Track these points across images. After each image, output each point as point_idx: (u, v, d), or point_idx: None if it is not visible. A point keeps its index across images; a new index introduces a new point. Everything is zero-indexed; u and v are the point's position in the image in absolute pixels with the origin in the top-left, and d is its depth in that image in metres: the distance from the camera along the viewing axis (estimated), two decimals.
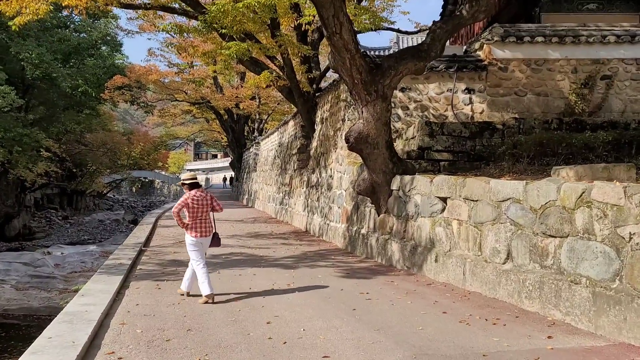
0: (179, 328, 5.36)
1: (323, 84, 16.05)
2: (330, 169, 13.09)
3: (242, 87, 29.65)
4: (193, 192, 6.74)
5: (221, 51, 12.47)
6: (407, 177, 8.72)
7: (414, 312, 5.86)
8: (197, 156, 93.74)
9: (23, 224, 33.37)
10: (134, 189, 68.23)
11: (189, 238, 6.79)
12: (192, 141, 70.44)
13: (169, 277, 8.04)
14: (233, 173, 56.91)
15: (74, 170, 43.10)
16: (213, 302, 6.38)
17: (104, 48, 33.78)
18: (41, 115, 32.43)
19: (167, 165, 65.06)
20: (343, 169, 11.98)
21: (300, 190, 16.23)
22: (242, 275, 8.16)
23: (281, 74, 14.52)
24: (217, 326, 5.41)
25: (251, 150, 29.58)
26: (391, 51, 19.78)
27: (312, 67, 15.38)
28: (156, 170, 59.94)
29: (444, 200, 7.69)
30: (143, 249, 11.21)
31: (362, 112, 8.97)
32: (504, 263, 6.29)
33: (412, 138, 10.84)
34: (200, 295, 6.50)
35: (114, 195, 59.51)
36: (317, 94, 15.25)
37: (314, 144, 15.06)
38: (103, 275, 7.66)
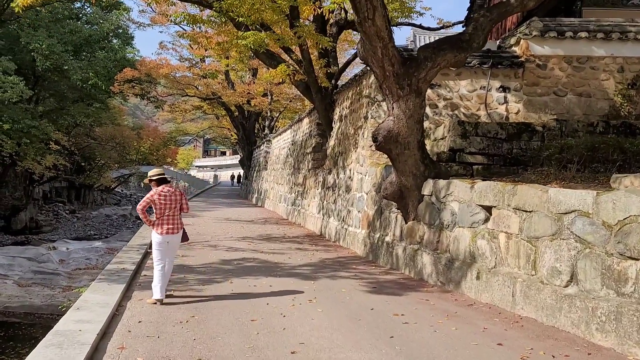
0: (187, 356, 4.45)
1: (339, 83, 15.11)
2: (350, 170, 12.16)
3: (254, 83, 28.78)
4: (160, 187, 6.47)
5: (237, 41, 11.56)
6: (442, 182, 7.77)
7: (464, 343, 4.92)
8: (206, 153, 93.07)
9: (30, 217, 32.65)
10: (142, 185, 67.55)
11: (154, 235, 6.48)
12: (202, 138, 69.75)
13: (176, 286, 7.14)
14: (241, 171, 56.09)
15: (83, 164, 42.40)
16: (161, 304, 6.13)
17: (115, 41, 33.00)
18: (51, 108, 31.71)
19: (176, 161, 64.34)
20: (364, 170, 11.05)
21: (314, 191, 15.31)
22: (257, 287, 7.24)
23: (298, 68, 13.60)
24: (233, 356, 4.50)
25: (262, 147, 28.69)
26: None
27: (330, 62, 14.45)
28: (165, 166, 59.21)
29: (488, 209, 6.74)
30: (149, 251, 10.30)
31: (393, 108, 8.04)
32: (566, 286, 5.34)
33: (441, 139, 9.88)
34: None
35: (121, 190, 58.85)
36: (335, 90, 14.31)
37: (331, 142, 14.13)
38: (103, 283, 6.77)
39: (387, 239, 9.35)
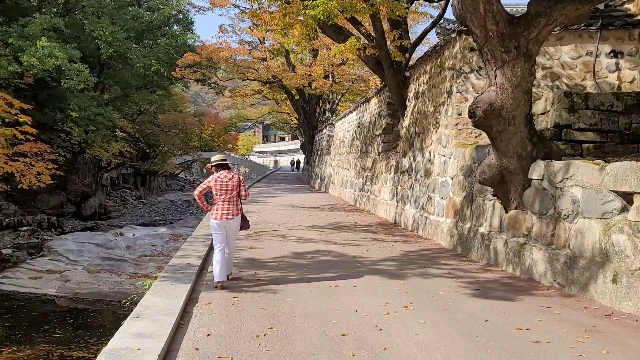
0: None
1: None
2: (429, 152, 10.88)
3: (314, 64, 27.73)
4: (218, 173, 6.36)
5: (305, 12, 10.46)
6: (559, 163, 6.41)
7: None
8: (266, 138, 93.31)
9: (99, 203, 33.28)
10: (204, 170, 68.49)
11: (211, 220, 6.41)
12: (261, 123, 69.64)
13: (247, 285, 6.22)
14: (300, 156, 55.40)
15: (147, 150, 43.01)
16: (222, 288, 6.04)
17: (175, 27, 32.84)
18: (115, 95, 32.00)
19: (236, 147, 64.66)
20: (449, 151, 9.75)
21: (386, 175, 14.11)
22: (340, 287, 6.20)
23: (368, 42, 12.37)
24: None
25: (324, 132, 27.64)
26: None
27: (402, 34, 13.10)
28: (225, 152, 59.55)
29: (626, 196, 5.36)
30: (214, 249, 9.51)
31: (496, 76, 6.72)
32: None
33: (542, 113, 8.44)
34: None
35: (185, 176, 59.77)
36: (409, 65, 13.00)
37: (406, 122, 12.85)
38: (166, 283, 5.94)
39: (482, 230, 8.07)
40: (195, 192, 6.38)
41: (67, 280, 16.61)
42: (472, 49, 9.53)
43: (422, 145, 11.36)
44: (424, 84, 11.73)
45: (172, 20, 30.82)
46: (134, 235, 23.88)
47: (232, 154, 65.37)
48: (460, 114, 9.55)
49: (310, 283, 6.39)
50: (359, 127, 18.70)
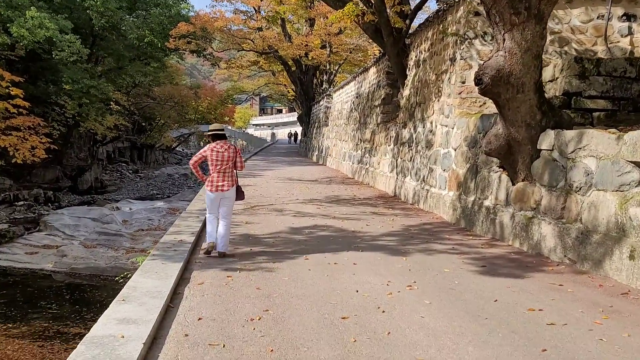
0: None
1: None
2: (431, 123, 10.46)
3: (311, 34, 26.99)
4: (214, 143, 6.24)
5: None
6: (571, 132, 6.01)
7: None
8: (262, 111, 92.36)
9: (95, 177, 32.87)
10: (201, 143, 67.86)
11: (206, 191, 6.36)
12: (258, 95, 68.77)
13: (242, 263, 5.88)
14: (298, 129, 54.71)
15: (143, 124, 42.37)
16: (208, 254, 6.14)
17: None
18: (109, 67, 31.24)
19: (233, 120, 63.92)
20: (451, 121, 9.33)
21: (385, 147, 13.70)
22: (339, 265, 5.87)
23: (366, 8, 11.79)
24: None
25: (321, 103, 27.07)
26: None
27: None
28: (223, 125, 58.95)
29: None
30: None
31: (504, 40, 6.26)
32: None
33: (551, 81, 8.00)
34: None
35: (182, 149, 59.25)
36: (409, 32, 12.45)
37: (406, 92, 12.38)
38: (157, 261, 5.59)
39: (487, 203, 7.72)
40: (191, 162, 6.26)
41: (64, 255, 16.36)
42: (476, 13, 9.02)
43: (423, 116, 10.93)
44: (425, 51, 11.22)
45: None
46: (130, 209, 23.57)
47: (229, 127, 64.64)
48: (464, 82, 9.10)
49: (308, 260, 6.05)
50: (357, 97, 18.19)
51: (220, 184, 6.18)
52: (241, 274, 5.43)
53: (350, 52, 26.56)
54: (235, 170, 6.33)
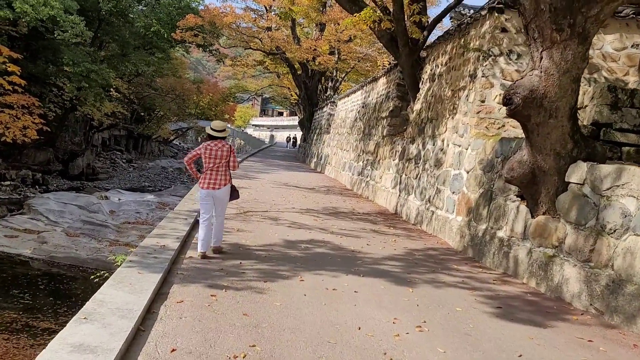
0: None
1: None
2: (442, 141, 9.82)
3: (320, 39, 26.41)
4: (210, 141, 6.21)
5: None
6: (607, 167, 5.38)
7: None
8: (263, 112, 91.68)
9: (87, 163, 32.03)
10: (199, 139, 67.06)
11: (199, 189, 6.27)
12: (260, 96, 68.08)
13: (229, 279, 5.19)
14: (297, 133, 53.98)
15: (142, 113, 41.59)
16: (203, 257, 5.94)
17: None
18: (112, 53, 30.49)
19: (233, 118, 63.19)
20: (466, 142, 8.70)
21: (389, 161, 13.05)
22: (338, 292, 5.18)
23: (383, 15, 11.17)
24: None
25: (324, 109, 26.43)
26: None
27: (421, 10, 11.91)
28: (225, 124, 58.20)
29: None
30: (199, 219, 8.46)
31: (542, 58, 5.63)
32: None
33: (579, 108, 7.37)
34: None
35: (179, 143, 58.43)
36: (426, 44, 11.85)
37: (417, 106, 11.75)
38: (133, 270, 4.88)
39: (501, 234, 7.06)
40: (185, 159, 6.21)
41: (44, 241, 15.60)
42: (503, 30, 8.42)
43: (434, 133, 10.29)
44: (442, 65, 10.61)
45: None
46: (119, 200, 22.80)
47: (229, 125, 63.99)
48: (483, 101, 8.47)
49: (304, 282, 5.37)
50: (363, 107, 17.56)
51: (212, 181, 6.09)
52: (227, 294, 4.73)
53: (359, 61, 26.00)
54: (229, 170, 6.24)
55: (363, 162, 15.70)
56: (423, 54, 12.13)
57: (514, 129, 8.43)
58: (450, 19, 14.18)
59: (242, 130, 71.68)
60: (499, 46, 8.40)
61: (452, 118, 9.50)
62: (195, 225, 7.94)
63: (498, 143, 7.63)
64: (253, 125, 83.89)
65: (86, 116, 30.03)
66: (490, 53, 8.41)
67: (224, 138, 6.27)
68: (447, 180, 9.23)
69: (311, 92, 31.01)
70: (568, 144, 5.89)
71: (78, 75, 24.10)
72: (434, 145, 10.24)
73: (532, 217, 6.47)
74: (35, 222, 18.49)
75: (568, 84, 5.60)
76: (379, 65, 22.06)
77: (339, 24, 24.62)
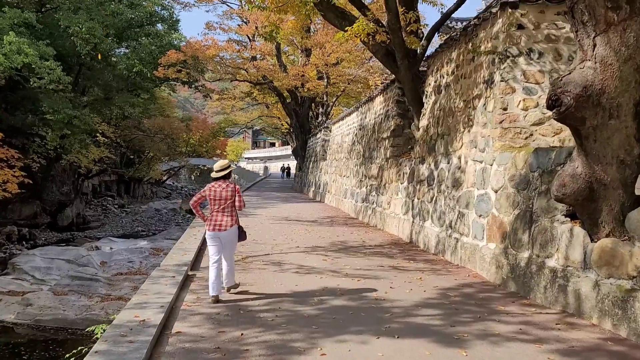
0: None
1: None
2: (459, 158, 8.67)
3: (308, 64, 25.55)
4: (214, 182, 6.13)
5: None
6: None
7: None
8: (255, 144, 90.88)
9: (77, 213, 30.64)
10: (192, 177, 65.85)
11: (206, 231, 6.15)
12: (251, 129, 67.33)
13: None
14: (290, 162, 52.91)
15: (132, 157, 40.46)
16: (216, 302, 5.70)
17: (160, 27, 30.51)
18: (95, 97, 29.48)
19: (225, 153, 62.15)
20: (489, 156, 7.54)
21: (397, 185, 11.88)
22: None
23: (377, 28, 10.15)
24: None
25: (318, 136, 25.37)
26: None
27: (418, 18, 10.91)
28: (214, 158, 57.13)
29: None
30: (190, 273, 7.20)
31: (595, 45, 4.52)
32: None
33: None
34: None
35: (172, 183, 57.17)
36: (426, 55, 10.82)
37: (423, 122, 10.64)
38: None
39: (551, 263, 5.83)
40: (191, 202, 6.14)
41: (29, 304, 14.19)
42: (520, 26, 7.36)
43: (448, 150, 9.15)
44: (448, 75, 9.53)
45: (155, 18, 28.46)
46: (110, 249, 21.43)
47: (233, 161, 62.92)
48: (505, 109, 7.36)
49: (326, 358, 4.10)
50: (360, 129, 16.47)
51: (218, 223, 5.99)
52: None
53: (349, 83, 25.08)
54: (235, 210, 6.11)
55: (366, 187, 14.51)
56: (423, 65, 11.10)
57: (543, 137, 7.32)
58: (437, 35, 13.25)
59: (236, 165, 70.64)
60: (517, 45, 7.34)
61: (469, 131, 8.37)
62: (186, 282, 6.69)
63: (532, 155, 6.47)
64: (246, 158, 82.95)
65: (72, 164, 28.85)
66: (508, 54, 7.33)
67: (227, 177, 6.13)
68: (470, 202, 8.04)
69: (302, 120, 30.01)
70: (635, 149, 4.74)
71: (59, 122, 22.99)
72: (448, 163, 9.08)
73: (592, 240, 5.27)
74: (19, 282, 17.07)
75: (631, 74, 4.48)
76: (371, 85, 21.12)
77: (325, 47, 23.80)
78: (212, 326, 4.83)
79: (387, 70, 20.09)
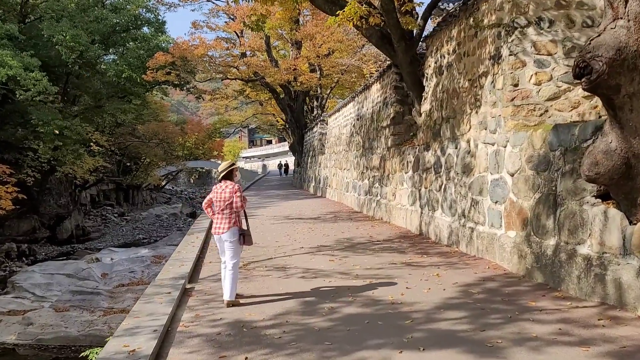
0: None
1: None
2: (467, 141, 8.06)
3: (299, 57, 24.88)
4: (220, 183, 5.97)
5: None
6: None
7: None
8: (252, 143, 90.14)
9: (76, 225, 30.02)
10: (191, 180, 65.20)
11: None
12: (246, 127, 66.58)
13: None
14: (288, 158, 52.18)
15: (128, 164, 39.81)
16: (231, 305, 5.54)
17: (146, 30, 29.80)
18: (85, 106, 28.79)
19: (222, 154, 61.46)
20: (501, 137, 6.94)
21: (401, 175, 11.28)
22: None
23: (370, 10, 9.50)
24: None
25: (315, 130, 24.73)
26: None
27: None
28: (212, 160, 56.47)
29: None
30: (188, 287, 6.61)
31: (626, 0, 3.91)
32: None
33: None
34: None
35: (172, 187, 56.56)
36: (423, 35, 10.20)
37: (425, 107, 10.03)
38: None
39: (584, 250, 5.24)
40: (203, 205, 6.10)
41: (30, 323, 13.64)
42: None
43: (455, 133, 8.54)
44: (449, 54, 8.91)
45: (141, 21, 27.73)
46: (111, 259, 20.84)
47: (219, 161, 62.24)
48: (516, 85, 6.75)
49: None
50: (358, 120, 15.84)
51: (217, 225, 5.87)
52: None
53: (342, 74, 24.39)
54: (234, 212, 5.86)
55: (369, 179, 13.91)
56: (421, 47, 10.48)
57: (560, 113, 6.71)
58: (431, 18, 12.60)
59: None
60: (525, 15, 6.71)
61: (476, 112, 7.76)
62: (184, 297, 6.10)
63: (551, 132, 5.87)
64: (244, 157, 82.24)
65: (68, 176, 28.22)
66: (515, 25, 6.71)
67: (229, 177, 5.95)
68: (484, 188, 7.44)
69: (297, 114, 29.35)
70: None
71: (50, 134, 22.34)
72: (456, 148, 8.48)
73: (631, 223, 4.68)
74: (20, 301, 16.51)
75: None
76: (366, 74, 20.48)
77: (315, 39, 23.13)
78: (212, 350, 4.25)
79: (383, 56, 19.45)
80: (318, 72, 25.18)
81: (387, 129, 12.33)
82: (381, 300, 5.51)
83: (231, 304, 5.60)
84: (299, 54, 24.97)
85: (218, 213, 5.86)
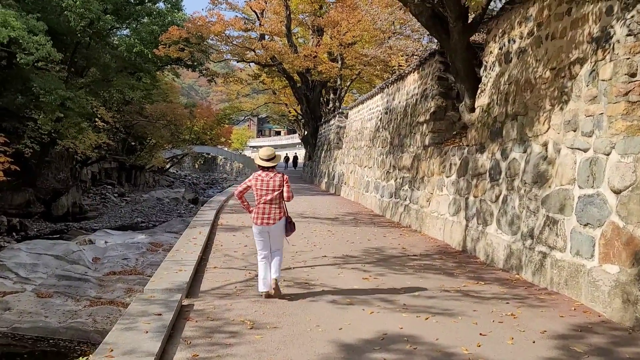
0: None
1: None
2: (544, 145, 6.42)
3: (320, 45, 23.22)
4: (260, 171, 5.59)
5: None
6: None
7: None
8: (261, 133, 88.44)
9: (73, 202, 28.45)
10: (196, 165, 63.67)
11: (253, 225, 5.57)
12: (256, 116, 64.94)
13: None
14: (296, 152, 50.40)
15: (133, 143, 38.26)
16: (267, 297, 5.30)
17: (162, 5, 28.22)
18: (93, 79, 27.18)
19: (230, 141, 59.86)
20: (603, 142, 5.30)
21: (440, 178, 9.64)
22: None
23: None
24: None
25: (332, 123, 23.05)
26: None
27: None
28: (219, 146, 54.88)
29: None
30: (185, 304, 5.00)
31: None
32: None
33: None
34: None
35: (176, 171, 55.00)
36: (485, 17, 8.55)
37: (482, 101, 8.38)
38: None
39: None
40: (236, 192, 5.63)
41: (8, 308, 12.04)
42: None
43: (525, 134, 6.90)
44: (522, 38, 7.25)
45: None
46: (105, 243, 19.26)
47: (225, 148, 60.57)
48: (634, 75, 5.10)
49: None
50: (386, 113, 14.18)
51: (265, 216, 5.47)
52: None
53: (365, 65, 22.73)
54: (283, 201, 5.58)
55: (396, 180, 12.27)
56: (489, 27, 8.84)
57: None
58: None
59: (240, 153, 68.35)
60: None
61: (561, 109, 6.11)
62: (179, 320, 4.49)
63: None
64: (251, 147, 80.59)
65: (69, 150, 26.67)
66: None
67: (274, 167, 5.58)
68: (566, 204, 5.80)
69: (313, 105, 27.64)
70: None
71: (51, 104, 20.75)
72: (525, 152, 6.84)
73: None
74: (1, 282, 14.93)
75: None
76: (394, 66, 18.80)
77: (340, 26, 21.45)
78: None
79: (411, 49, 17.79)
80: (339, 62, 23.50)
81: (425, 125, 10.69)
82: (454, 354, 3.89)
83: (277, 292, 5.36)
84: (321, 41, 23.30)
85: (264, 203, 5.46)
